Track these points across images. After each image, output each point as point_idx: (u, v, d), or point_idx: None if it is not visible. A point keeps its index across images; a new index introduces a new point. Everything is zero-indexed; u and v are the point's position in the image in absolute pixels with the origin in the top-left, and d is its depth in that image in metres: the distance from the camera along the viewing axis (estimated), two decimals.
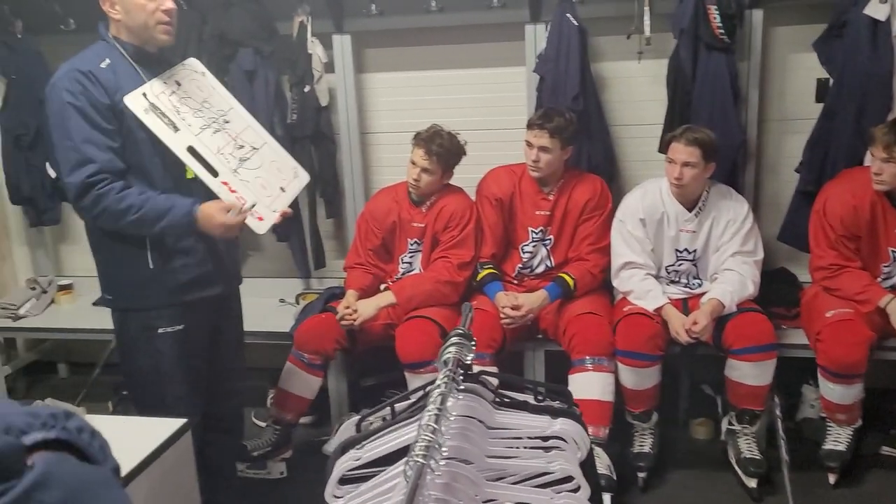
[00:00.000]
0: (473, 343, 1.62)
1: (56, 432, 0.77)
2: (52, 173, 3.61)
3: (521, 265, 3.16)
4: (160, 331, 2.26)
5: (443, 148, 3.00)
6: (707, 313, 2.75)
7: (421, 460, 1.23)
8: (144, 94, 2.14)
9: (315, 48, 3.34)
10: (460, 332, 1.64)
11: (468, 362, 1.59)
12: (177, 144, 2.16)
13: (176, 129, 2.17)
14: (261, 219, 2.26)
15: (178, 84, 2.25)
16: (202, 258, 2.30)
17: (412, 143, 3.05)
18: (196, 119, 2.24)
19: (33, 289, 3.73)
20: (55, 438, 0.78)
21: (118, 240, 2.21)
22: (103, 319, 3.29)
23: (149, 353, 2.28)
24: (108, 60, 2.11)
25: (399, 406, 1.71)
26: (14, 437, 0.75)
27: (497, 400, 1.64)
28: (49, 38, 3.56)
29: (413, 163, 3.04)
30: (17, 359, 3.88)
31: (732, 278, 2.84)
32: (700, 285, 2.98)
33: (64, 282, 3.81)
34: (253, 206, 2.23)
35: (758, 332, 2.74)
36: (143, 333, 2.27)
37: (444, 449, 1.32)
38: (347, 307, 3.00)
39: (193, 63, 2.35)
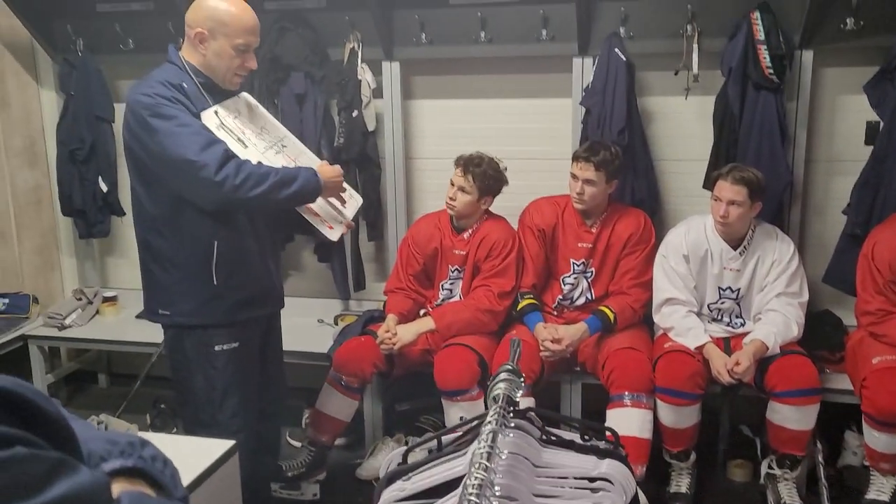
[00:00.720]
0: (522, 379, 1.63)
1: (133, 461, 0.80)
2: (104, 187, 3.71)
3: (561, 296, 3.16)
4: (216, 348, 2.31)
5: (480, 169, 3.04)
6: (750, 354, 2.72)
7: (475, 499, 1.24)
8: (216, 113, 2.24)
9: (364, 74, 3.39)
10: (509, 367, 1.65)
11: (517, 399, 1.60)
12: (248, 158, 2.25)
13: (245, 145, 2.27)
14: (331, 227, 2.44)
15: (239, 112, 2.34)
16: (258, 276, 2.38)
17: (454, 164, 3.10)
18: (259, 141, 2.35)
19: (79, 299, 3.81)
20: (132, 466, 0.80)
21: (185, 254, 2.26)
22: (145, 332, 3.39)
23: (204, 370, 2.33)
24: (184, 83, 2.20)
25: (445, 438, 1.72)
26: (94, 464, 0.78)
27: (544, 437, 1.64)
28: (108, 58, 3.68)
29: (451, 183, 3.08)
30: (60, 367, 3.96)
31: (776, 319, 2.82)
32: (743, 325, 2.95)
33: (109, 293, 3.88)
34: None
35: (801, 376, 2.70)
36: (199, 351, 2.32)
37: (496, 487, 1.33)
38: (387, 331, 3.03)
39: (246, 96, 2.46)
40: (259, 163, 2.21)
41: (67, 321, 3.68)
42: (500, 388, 1.58)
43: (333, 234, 2.47)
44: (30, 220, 3.89)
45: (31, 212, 3.90)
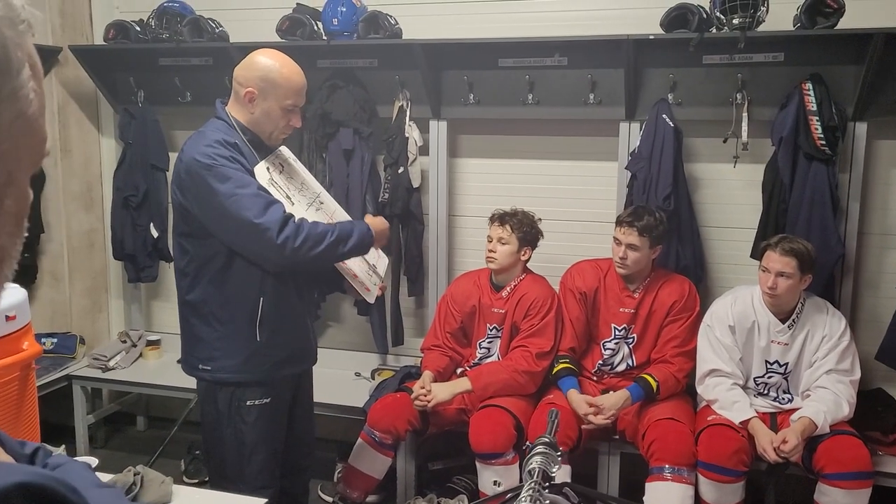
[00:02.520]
0: (560, 454, 1.59)
1: None
2: (155, 233, 3.80)
3: (601, 362, 3.11)
4: (248, 403, 2.31)
5: (517, 218, 3.06)
6: (798, 432, 2.62)
7: None
8: (268, 168, 2.28)
9: (412, 132, 3.45)
10: (546, 440, 1.61)
11: (553, 474, 1.56)
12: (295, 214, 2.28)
13: (291, 202, 2.31)
14: (368, 289, 2.48)
15: (282, 167, 2.38)
16: (298, 335, 2.39)
17: (488, 223, 3.11)
18: (301, 197, 2.38)
19: (124, 342, 3.87)
20: None
21: (231, 310, 2.27)
22: (185, 377, 3.39)
23: (234, 424, 2.32)
24: (237, 141, 2.23)
25: None
26: None
27: None
28: (165, 109, 3.81)
29: (489, 239, 3.09)
30: (100, 408, 4.01)
31: (826, 397, 2.71)
32: (790, 401, 2.85)
33: (153, 337, 3.94)
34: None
35: (853, 458, 2.59)
36: (231, 405, 2.32)
37: None
38: (422, 387, 3.00)
39: (286, 150, 2.48)
40: (315, 222, 2.24)
41: (111, 363, 3.73)
42: (535, 462, 1.54)
43: (370, 296, 2.54)
44: (82, 263, 4.00)
45: (83, 254, 4.00)
